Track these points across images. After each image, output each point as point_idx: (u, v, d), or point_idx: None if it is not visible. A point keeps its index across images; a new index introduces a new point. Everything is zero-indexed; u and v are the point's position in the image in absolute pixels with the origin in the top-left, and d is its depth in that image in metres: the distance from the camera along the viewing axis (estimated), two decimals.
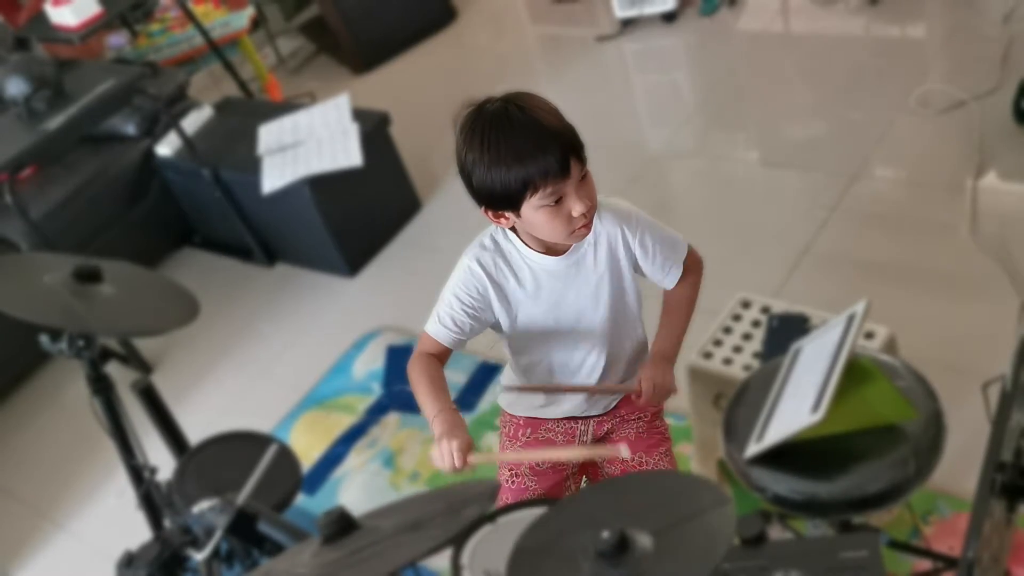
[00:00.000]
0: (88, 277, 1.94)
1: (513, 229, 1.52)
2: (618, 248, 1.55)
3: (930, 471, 1.41)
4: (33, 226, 3.25)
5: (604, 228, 1.54)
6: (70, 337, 2.01)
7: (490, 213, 1.47)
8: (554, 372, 1.66)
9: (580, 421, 1.73)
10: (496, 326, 1.60)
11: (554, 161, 1.36)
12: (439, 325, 1.56)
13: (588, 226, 1.47)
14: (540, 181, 1.37)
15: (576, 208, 1.41)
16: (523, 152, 1.36)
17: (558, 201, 1.40)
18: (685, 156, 3.62)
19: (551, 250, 1.53)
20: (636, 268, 1.59)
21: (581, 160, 1.41)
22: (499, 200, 1.42)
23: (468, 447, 1.40)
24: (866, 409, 1.44)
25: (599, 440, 1.76)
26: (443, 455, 1.39)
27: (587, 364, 1.63)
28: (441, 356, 1.58)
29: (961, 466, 1.62)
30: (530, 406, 1.73)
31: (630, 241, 1.55)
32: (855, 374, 1.47)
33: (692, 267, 1.63)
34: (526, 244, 1.53)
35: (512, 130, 1.37)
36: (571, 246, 1.53)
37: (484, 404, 2.80)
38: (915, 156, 3.19)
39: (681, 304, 1.65)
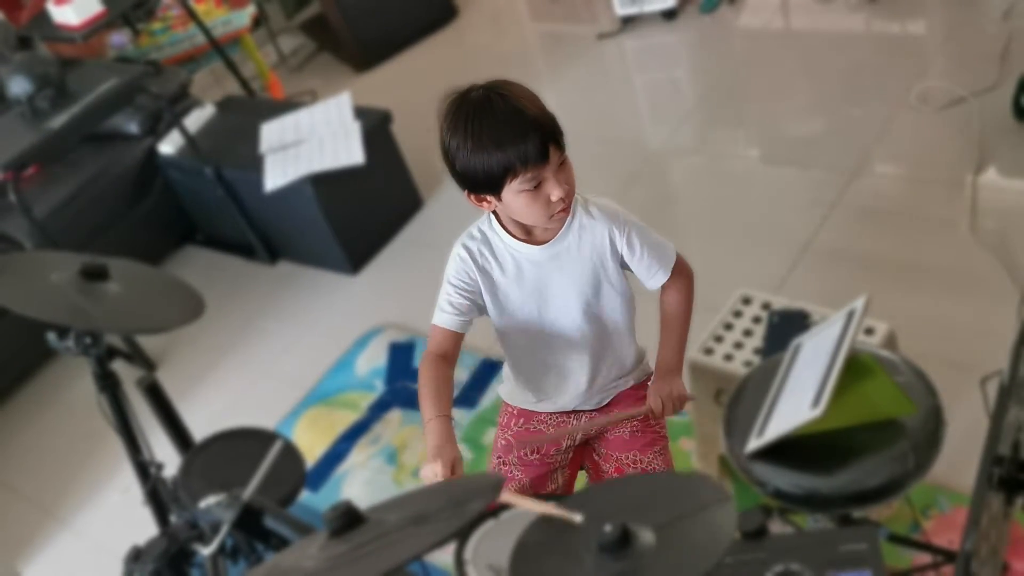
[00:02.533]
0: (95, 275, 1.96)
1: (497, 217, 1.57)
2: (604, 244, 1.58)
3: (929, 465, 1.43)
4: (37, 225, 3.27)
5: (591, 224, 1.58)
6: (77, 334, 2.03)
7: (472, 197, 1.52)
8: (542, 364, 1.68)
9: (572, 416, 1.75)
10: (486, 312, 1.64)
11: (533, 147, 1.41)
12: (441, 312, 1.61)
13: (566, 210, 1.52)
14: (520, 166, 1.42)
15: (555, 193, 1.46)
16: (504, 138, 1.41)
17: (537, 186, 1.45)
18: (685, 153, 3.63)
19: (533, 239, 1.57)
20: (624, 266, 1.62)
21: (560, 147, 1.46)
22: (481, 184, 1.47)
23: (453, 465, 1.43)
24: (866, 404, 1.45)
25: (592, 437, 1.78)
26: (427, 474, 1.43)
27: (574, 357, 1.66)
28: (450, 353, 1.60)
29: (960, 460, 1.64)
30: (524, 400, 1.76)
31: (617, 239, 1.58)
32: (855, 370, 1.48)
33: (681, 271, 1.65)
34: (510, 233, 1.57)
35: (494, 117, 1.42)
36: (553, 236, 1.56)
37: (486, 401, 2.81)
38: (915, 152, 3.20)
39: (677, 313, 1.67)
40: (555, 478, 1.78)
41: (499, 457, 1.77)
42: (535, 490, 1.72)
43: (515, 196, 1.46)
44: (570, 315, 1.61)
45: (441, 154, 1.49)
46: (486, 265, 1.59)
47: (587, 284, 1.59)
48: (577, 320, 1.61)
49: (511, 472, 1.75)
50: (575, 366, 1.67)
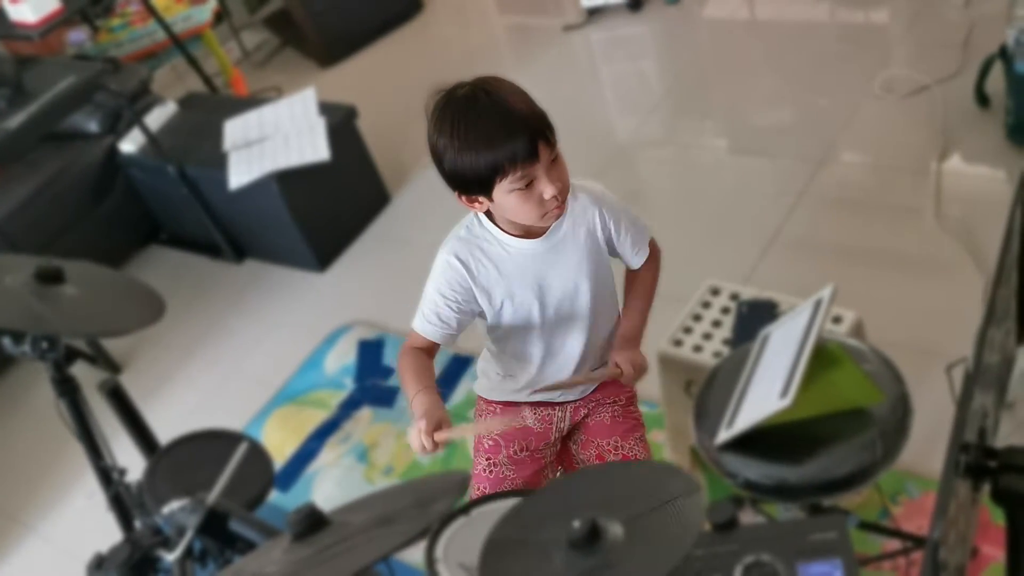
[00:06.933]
0: (50, 278, 1.91)
1: (488, 215, 1.53)
2: (596, 228, 1.58)
3: (897, 453, 1.43)
4: None
5: (582, 209, 1.56)
6: (33, 339, 1.98)
7: (464, 198, 1.49)
8: (537, 358, 1.66)
9: (557, 407, 1.73)
10: (482, 315, 1.61)
11: (522, 145, 1.38)
12: (425, 322, 1.58)
13: (561, 208, 1.49)
14: (509, 165, 1.38)
15: (547, 191, 1.42)
16: (492, 136, 1.38)
17: (529, 184, 1.42)
18: (653, 144, 3.62)
19: (529, 233, 1.54)
20: (610, 248, 1.62)
21: (550, 143, 1.42)
22: (471, 184, 1.44)
23: (438, 424, 1.42)
24: (834, 393, 1.46)
25: (576, 426, 1.77)
26: (413, 438, 1.42)
27: (568, 347, 1.64)
28: (429, 350, 1.60)
29: (928, 446, 1.64)
30: (508, 391, 1.73)
31: (607, 221, 1.58)
32: (823, 359, 1.48)
33: (653, 251, 1.68)
34: (503, 229, 1.54)
35: (480, 115, 1.38)
36: (549, 228, 1.54)
37: (457, 397, 2.80)
38: (880, 140, 3.21)
39: (647, 287, 1.69)
40: (547, 475, 1.77)
41: (488, 459, 1.74)
42: (530, 488, 1.70)
43: (506, 195, 1.43)
44: (570, 301, 1.59)
45: (430, 155, 1.46)
46: (481, 271, 1.54)
47: (586, 269, 1.58)
48: (577, 306, 1.60)
49: (503, 473, 1.72)
50: (570, 346, 1.65)
